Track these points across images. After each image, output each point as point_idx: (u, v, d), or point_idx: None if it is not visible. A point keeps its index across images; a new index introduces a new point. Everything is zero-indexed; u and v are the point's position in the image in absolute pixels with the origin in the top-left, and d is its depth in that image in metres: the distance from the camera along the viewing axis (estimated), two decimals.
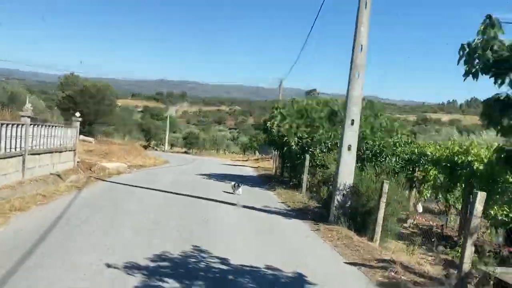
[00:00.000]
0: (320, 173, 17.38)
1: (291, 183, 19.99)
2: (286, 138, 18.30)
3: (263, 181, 23.30)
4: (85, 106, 37.59)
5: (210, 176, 23.81)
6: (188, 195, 14.65)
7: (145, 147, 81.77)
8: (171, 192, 15.12)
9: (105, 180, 17.56)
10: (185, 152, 73.31)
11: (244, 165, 41.80)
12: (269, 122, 20.15)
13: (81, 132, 40.26)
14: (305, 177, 17.15)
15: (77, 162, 21.89)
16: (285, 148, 18.51)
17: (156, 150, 78.96)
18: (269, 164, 43.91)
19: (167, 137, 77.65)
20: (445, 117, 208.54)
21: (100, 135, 42.47)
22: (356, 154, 11.77)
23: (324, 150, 17.35)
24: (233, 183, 16.95)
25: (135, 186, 16.15)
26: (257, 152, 61.88)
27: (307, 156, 17.16)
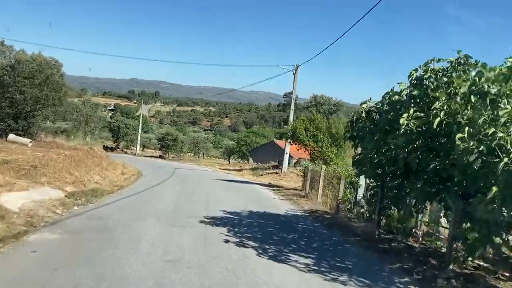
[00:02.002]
0: None
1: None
2: None
3: (363, 252, 10.25)
4: (18, 90, 24.20)
5: (235, 229, 10.97)
6: None
7: (113, 150, 67.83)
8: None
9: None
10: (160, 157, 59.89)
11: (249, 181, 28.97)
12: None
13: (11, 130, 27.01)
14: None
15: None
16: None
17: (125, 153, 65.42)
18: (282, 179, 31.32)
19: (139, 138, 64.03)
20: None
21: (44, 134, 29.04)
22: None
23: None
24: None
25: None
26: (250, 159, 49.10)
27: None
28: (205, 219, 11.61)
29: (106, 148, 67.07)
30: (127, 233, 9.13)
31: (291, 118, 33.23)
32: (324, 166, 18.03)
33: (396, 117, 8.13)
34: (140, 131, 64.30)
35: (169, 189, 19.91)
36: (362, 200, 16.39)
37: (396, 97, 8.78)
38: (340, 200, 15.16)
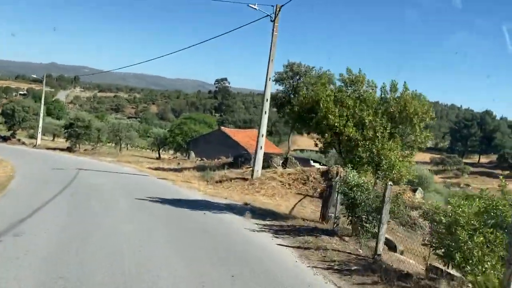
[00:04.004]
0: None
1: None
2: None
3: None
4: None
5: None
6: None
7: (6, 140, 50.68)
8: None
9: None
10: (68, 149, 44.19)
11: (211, 202, 15.26)
12: None
13: None
14: None
15: None
16: None
17: (24, 144, 49.00)
18: (258, 191, 18.23)
19: (40, 125, 47.56)
20: None
21: None
22: None
23: None
24: None
25: None
26: (192, 153, 35.17)
27: None
28: None
29: None
30: None
31: (267, 93, 20.10)
32: None
33: None
34: (42, 115, 47.84)
35: (23, 253, 6.11)
36: None
37: None
38: None
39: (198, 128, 50.68)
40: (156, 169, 29.28)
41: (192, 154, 34.37)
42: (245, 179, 20.32)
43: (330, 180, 18.64)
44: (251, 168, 26.31)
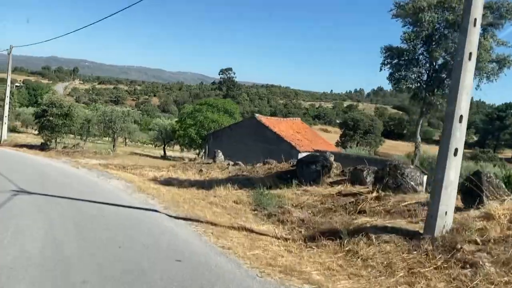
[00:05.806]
0: None
1: None
2: None
3: None
4: None
5: None
6: None
7: None
8: None
9: None
10: (41, 147, 31.33)
11: None
12: None
13: None
14: None
15: None
16: None
17: None
18: None
19: (5, 115, 34.63)
20: (360, 106, 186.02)
21: None
22: None
23: None
24: None
25: None
26: (220, 154, 22.15)
27: None
28: None
29: None
30: None
31: (478, 7, 7.26)
32: None
33: None
34: (7, 101, 34.87)
35: None
36: None
37: None
38: None
39: (217, 118, 37.74)
40: (167, 183, 16.50)
41: (220, 154, 21.59)
42: (406, 237, 7.47)
43: None
44: (340, 186, 13.96)
